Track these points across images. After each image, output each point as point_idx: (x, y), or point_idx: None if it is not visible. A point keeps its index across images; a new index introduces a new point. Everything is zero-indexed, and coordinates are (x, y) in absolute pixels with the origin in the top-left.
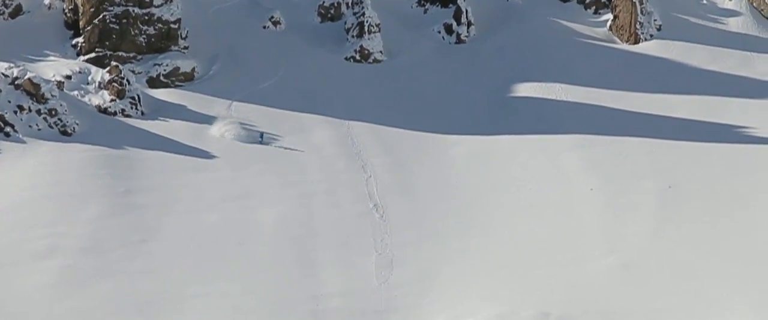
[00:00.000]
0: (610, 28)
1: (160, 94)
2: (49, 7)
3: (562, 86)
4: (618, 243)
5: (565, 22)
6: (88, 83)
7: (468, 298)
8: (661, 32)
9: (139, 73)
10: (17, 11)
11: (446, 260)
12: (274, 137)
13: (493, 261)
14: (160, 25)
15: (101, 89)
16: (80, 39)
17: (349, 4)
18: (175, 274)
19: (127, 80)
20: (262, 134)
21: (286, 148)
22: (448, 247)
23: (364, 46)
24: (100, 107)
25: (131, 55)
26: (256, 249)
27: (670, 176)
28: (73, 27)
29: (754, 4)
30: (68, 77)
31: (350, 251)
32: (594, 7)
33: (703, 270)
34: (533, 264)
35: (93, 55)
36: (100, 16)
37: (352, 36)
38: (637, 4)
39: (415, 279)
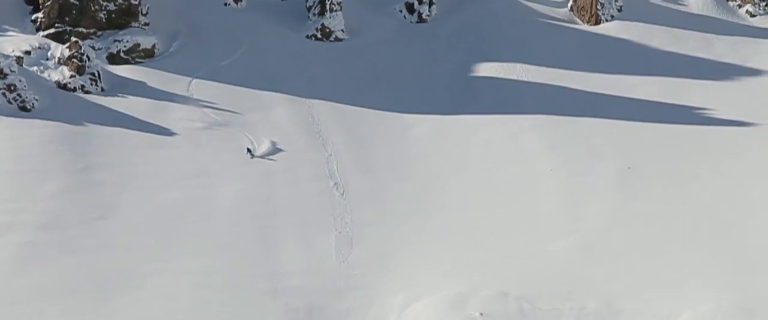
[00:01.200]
0: (572, 9)
1: (120, 70)
2: None
3: (523, 66)
4: (578, 223)
5: (526, 3)
6: (47, 59)
7: (427, 277)
8: (622, 13)
9: (99, 49)
10: None
11: (406, 239)
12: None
13: (452, 240)
14: (120, 1)
15: (61, 64)
16: (40, 14)
17: None
18: (134, 251)
19: (87, 56)
20: (249, 150)
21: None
22: (408, 226)
23: (326, 24)
24: (59, 82)
25: (91, 31)
26: (216, 226)
27: (629, 156)
28: (33, 2)
29: None
30: (27, 53)
31: (310, 229)
32: None
33: (662, 250)
34: (493, 244)
35: (53, 30)
36: None
37: (314, 14)
38: None
39: (374, 258)
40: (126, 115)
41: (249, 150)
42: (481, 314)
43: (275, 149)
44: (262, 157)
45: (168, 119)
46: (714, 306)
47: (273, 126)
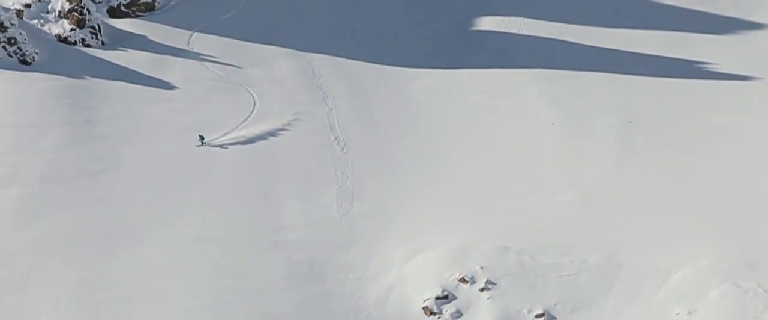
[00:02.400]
0: None
1: (121, 24)
2: None
3: (525, 20)
4: (578, 177)
5: None
6: (47, 12)
7: (428, 231)
8: None
9: (99, 2)
10: None
11: (407, 193)
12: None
13: (453, 194)
14: None
15: (61, 18)
16: None
17: None
18: (135, 204)
19: (88, 10)
20: (202, 138)
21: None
22: (409, 180)
23: None
24: (59, 36)
25: None
26: (217, 180)
27: (630, 110)
28: None
29: None
30: (28, 6)
31: (311, 183)
32: None
33: (662, 203)
34: (494, 198)
35: None
36: None
37: None
38: None
39: (375, 212)
40: (126, 69)
41: (201, 137)
42: (482, 268)
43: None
44: (213, 145)
45: (169, 73)
46: (715, 260)
47: (273, 80)
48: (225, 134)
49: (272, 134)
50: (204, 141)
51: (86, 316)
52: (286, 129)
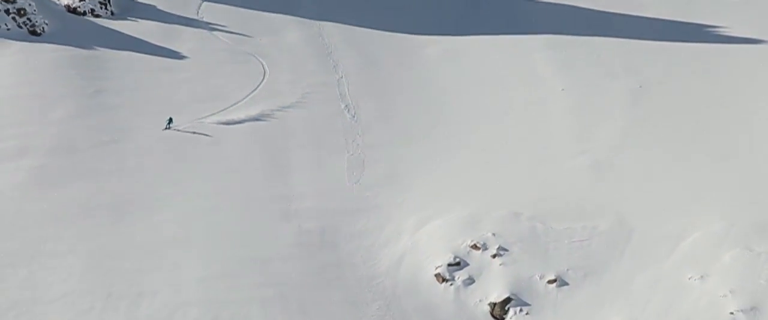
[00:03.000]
0: None
1: None
2: None
3: None
4: (589, 142)
5: None
6: None
7: (439, 198)
8: None
9: None
10: None
11: (418, 160)
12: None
13: (464, 161)
14: None
15: None
16: None
17: None
18: (146, 174)
19: None
20: (170, 120)
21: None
22: (420, 147)
23: None
24: (69, 6)
25: None
26: (228, 149)
27: (640, 75)
28: None
29: None
30: None
31: (322, 151)
32: None
33: (674, 169)
34: (505, 165)
35: None
36: None
37: None
38: None
39: (386, 179)
40: (136, 39)
41: (169, 120)
42: (494, 234)
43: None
44: (178, 129)
45: (178, 43)
46: (725, 224)
47: (283, 49)
48: (203, 118)
49: (282, 102)
50: (170, 125)
51: (99, 286)
52: (296, 98)
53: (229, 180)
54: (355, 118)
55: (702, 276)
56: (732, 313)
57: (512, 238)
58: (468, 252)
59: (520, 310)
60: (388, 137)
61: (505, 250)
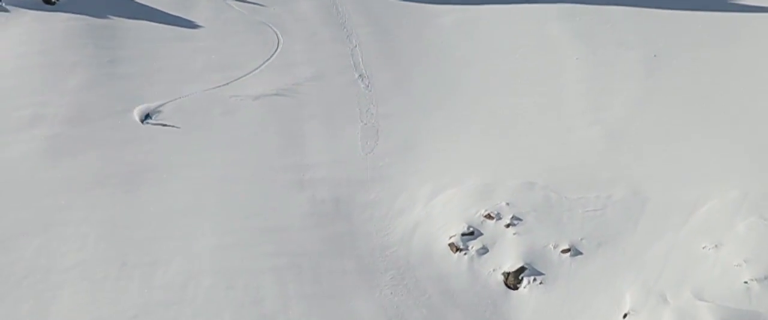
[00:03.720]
0: None
1: None
2: None
3: None
4: (603, 111)
5: None
6: None
7: (453, 168)
8: None
9: None
10: None
11: (432, 130)
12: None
13: (478, 130)
14: None
15: None
16: None
17: None
18: (160, 144)
19: None
20: (147, 116)
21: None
22: (434, 117)
23: None
24: None
25: None
26: (241, 119)
27: (656, 44)
28: None
29: None
30: None
31: (335, 121)
32: None
33: (689, 138)
34: (519, 134)
35: None
36: None
37: None
38: None
39: (400, 149)
40: (151, 8)
41: (148, 116)
42: (508, 204)
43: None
44: (159, 124)
45: (192, 12)
46: (740, 193)
47: (297, 18)
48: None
49: (296, 72)
50: (148, 119)
51: (112, 256)
52: (309, 67)
53: (242, 150)
54: (369, 88)
55: (716, 245)
56: (746, 282)
57: (526, 208)
58: (482, 222)
59: (534, 279)
60: (402, 107)
61: (519, 220)
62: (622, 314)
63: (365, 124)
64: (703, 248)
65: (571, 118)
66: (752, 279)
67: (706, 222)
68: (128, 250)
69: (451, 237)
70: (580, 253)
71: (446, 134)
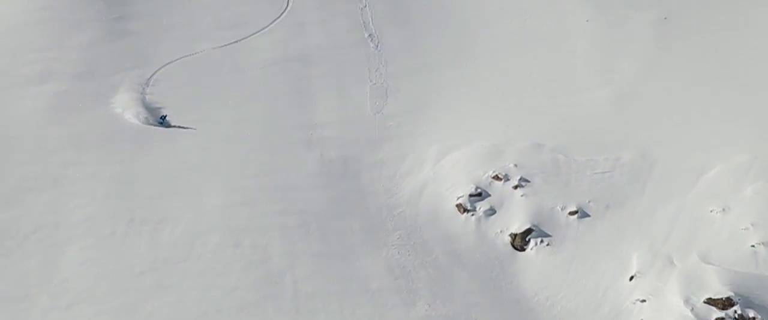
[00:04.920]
0: None
1: None
2: None
3: None
4: (612, 73)
5: None
6: None
7: (462, 129)
8: None
9: None
10: None
11: (440, 90)
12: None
13: (487, 91)
14: None
15: None
16: None
17: None
18: (169, 101)
19: None
20: (163, 117)
21: None
22: (442, 77)
23: None
24: None
25: None
26: (251, 77)
27: (666, 6)
28: None
29: None
30: None
31: (345, 80)
32: None
33: (697, 101)
34: (527, 95)
35: None
36: None
37: None
38: None
39: (409, 109)
40: None
41: (163, 117)
42: (516, 165)
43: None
44: (177, 126)
45: None
46: (748, 157)
47: None
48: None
49: (305, 31)
50: (164, 120)
51: (121, 212)
52: (319, 26)
53: (251, 108)
54: (379, 47)
55: (724, 209)
56: (753, 246)
57: (534, 169)
58: (489, 183)
59: (541, 241)
60: (411, 67)
61: (527, 181)
62: (629, 276)
63: (374, 84)
64: (711, 211)
65: (581, 80)
66: (759, 243)
67: (713, 186)
68: (136, 206)
69: (458, 198)
70: (588, 215)
71: (455, 95)
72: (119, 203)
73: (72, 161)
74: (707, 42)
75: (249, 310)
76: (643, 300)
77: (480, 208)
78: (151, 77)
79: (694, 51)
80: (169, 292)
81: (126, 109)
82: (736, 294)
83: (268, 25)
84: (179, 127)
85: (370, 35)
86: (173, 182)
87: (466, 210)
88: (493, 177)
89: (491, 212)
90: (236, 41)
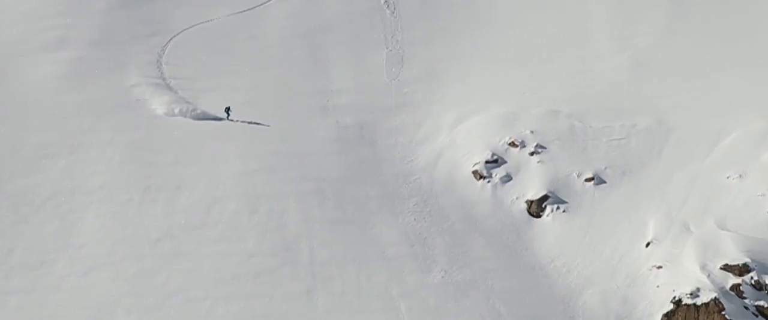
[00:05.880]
0: None
1: None
2: None
3: None
4: (629, 40)
5: None
6: None
7: (478, 95)
8: None
9: None
10: None
11: (456, 57)
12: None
13: (503, 59)
14: None
15: None
16: None
17: None
18: (185, 67)
19: None
20: (227, 110)
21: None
22: (459, 45)
23: None
24: None
25: None
26: (267, 43)
27: None
28: None
29: None
30: None
31: (360, 47)
32: None
33: (714, 68)
34: (543, 62)
35: None
36: None
37: None
38: None
39: (424, 76)
40: None
41: (228, 110)
42: (532, 131)
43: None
44: (241, 121)
45: None
46: (765, 123)
47: None
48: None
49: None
50: (229, 115)
51: (137, 178)
52: None
53: (266, 74)
54: (395, 14)
55: (740, 175)
56: None
57: (550, 136)
58: (506, 150)
59: (557, 208)
60: (427, 34)
61: (543, 148)
62: (645, 242)
63: (390, 50)
64: (727, 178)
65: (598, 46)
66: None
67: (730, 152)
68: (153, 173)
69: (474, 165)
70: (604, 182)
71: (471, 62)
72: (136, 170)
73: (89, 128)
74: (724, 8)
75: (265, 277)
76: (660, 267)
77: (496, 175)
78: (167, 44)
79: (712, 17)
80: (185, 259)
81: (153, 98)
82: (752, 260)
83: None
84: (245, 122)
85: (386, 2)
86: (189, 149)
87: (482, 177)
88: (510, 144)
89: (507, 178)
90: (252, 8)
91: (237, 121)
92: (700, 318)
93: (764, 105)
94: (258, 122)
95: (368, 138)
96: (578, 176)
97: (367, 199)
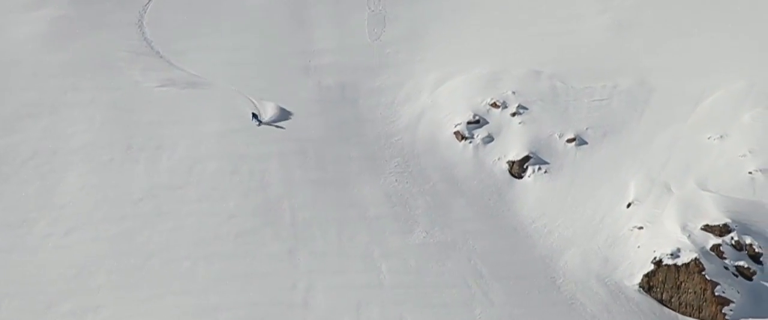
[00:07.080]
0: None
1: None
2: None
3: None
4: (611, 1)
5: None
6: None
7: (460, 56)
8: None
9: None
10: None
11: (438, 17)
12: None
13: (485, 19)
14: None
15: None
16: None
17: None
18: (166, 28)
19: None
20: (254, 116)
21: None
22: (441, 5)
23: None
24: None
25: None
26: (249, 4)
27: None
28: None
29: None
30: None
31: (343, 7)
32: None
33: (696, 29)
34: (525, 23)
35: None
36: None
37: None
38: None
39: (407, 37)
40: None
41: (254, 116)
42: (514, 92)
43: (282, 115)
44: (268, 123)
45: None
46: (746, 84)
47: None
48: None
49: None
50: (259, 120)
51: (118, 138)
52: None
53: (249, 34)
54: None
55: (721, 136)
56: (750, 173)
57: (532, 97)
58: (487, 110)
59: (539, 168)
60: None
61: (525, 108)
62: (626, 203)
63: (372, 10)
64: (709, 138)
65: (579, 7)
66: (757, 170)
67: (711, 113)
68: (134, 133)
69: (456, 125)
70: (585, 143)
71: (453, 22)
72: (117, 129)
73: (69, 87)
74: None
75: (247, 237)
76: (640, 227)
77: (478, 135)
78: (148, 3)
79: None
80: (166, 219)
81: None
82: (733, 220)
83: None
84: (271, 125)
85: None
86: (171, 108)
87: (463, 138)
88: (491, 104)
89: (489, 139)
90: None
91: (269, 125)
92: (681, 278)
93: (746, 66)
94: (279, 125)
95: (350, 99)
96: (560, 136)
97: (348, 159)
